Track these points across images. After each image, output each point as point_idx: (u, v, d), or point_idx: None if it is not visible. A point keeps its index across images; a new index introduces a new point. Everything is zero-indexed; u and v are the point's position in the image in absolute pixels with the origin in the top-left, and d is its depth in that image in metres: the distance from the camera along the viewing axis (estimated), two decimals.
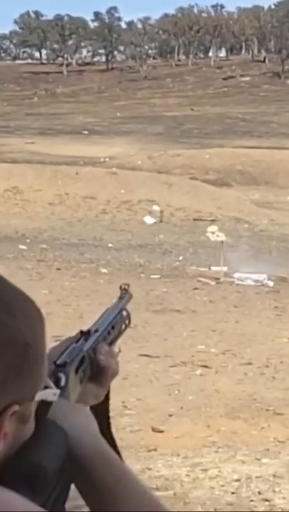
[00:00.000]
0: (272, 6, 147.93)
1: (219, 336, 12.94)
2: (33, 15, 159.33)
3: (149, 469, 7.34)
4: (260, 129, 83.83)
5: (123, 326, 1.56)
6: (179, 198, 34.93)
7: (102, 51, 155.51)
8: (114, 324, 1.52)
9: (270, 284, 19.30)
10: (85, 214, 33.56)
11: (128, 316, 1.58)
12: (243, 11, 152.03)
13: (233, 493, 6.83)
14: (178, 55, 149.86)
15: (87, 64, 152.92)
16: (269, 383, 10.36)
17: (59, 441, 1.18)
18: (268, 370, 10.99)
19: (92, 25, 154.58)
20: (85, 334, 1.42)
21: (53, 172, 37.88)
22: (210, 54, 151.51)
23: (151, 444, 8.06)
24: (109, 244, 26.83)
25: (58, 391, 1.22)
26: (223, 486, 6.97)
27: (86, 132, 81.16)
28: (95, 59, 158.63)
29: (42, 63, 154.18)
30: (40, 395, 1.16)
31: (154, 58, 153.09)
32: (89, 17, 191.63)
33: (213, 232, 22.27)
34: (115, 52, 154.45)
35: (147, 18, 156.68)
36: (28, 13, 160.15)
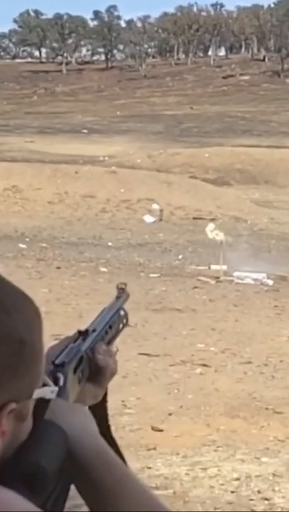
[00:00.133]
0: (272, 5, 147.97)
1: (219, 334, 12.94)
2: (32, 14, 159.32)
3: (149, 468, 7.34)
4: (259, 127, 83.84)
5: (121, 326, 1.55)
6: (179, 196, 34.92)
7: (101, 50, 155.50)
8: (112, 324, 1.51)
9: (270, 282, 19.30)
10: (84, 213, 33.55)
11: (125, 315, 1.58)
12: (243, 10, 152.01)
13: (232, 492, 6.83)
14: (177, 53, 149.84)
15: (87, 63, 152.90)
16: (268, 382, 10.36)
17: (58, 441, 1.18)
18: (267, 368, 10.99)
19: (92, 23, 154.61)
20: (82, 334, 1.42)
21: (52, 171, 37.88)
22: (209, 53, 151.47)
23: (151, 442, 8.05)
24: (109, 243, 26.83)
25: (56, 388, 1.22)
26: (222, 484, 6.97)
27: (85, 131, 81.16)
28: (95, 58, 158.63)
29: (41, 62, 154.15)
30: (38, 393, 1.16)
31: (153, 57, 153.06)
32: (88, 16, 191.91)
33: (211, 231, 22.27)
34: (115, 51, 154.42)
35: (147, 17, 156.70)
36: (27, 11, 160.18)
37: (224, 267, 20.47)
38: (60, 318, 13.04)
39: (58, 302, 14.90)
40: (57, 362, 1.31)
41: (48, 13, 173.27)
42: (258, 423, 8.73)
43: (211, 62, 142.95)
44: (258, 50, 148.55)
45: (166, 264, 22.70)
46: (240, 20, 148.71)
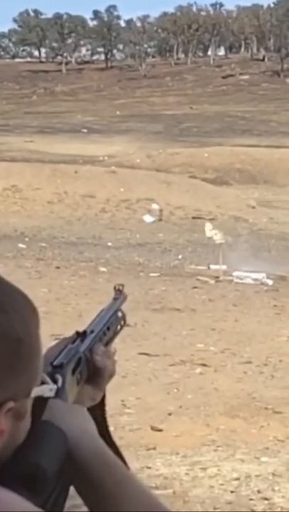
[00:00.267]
0: (272, 5, 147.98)
1: (218, 334, 12.94)
2: (32, 13, 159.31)
3: (149, 468, 7.34)
4: (259, 127, 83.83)
5: (119, 327, 1.55)
6: (178, 196, 34.93)
7: (101, 50, 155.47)
8: (110, 325, 1.51)
9: (270, 282, 19.30)
10: (84, 213, 33.55)
11: (123, 316, 1.58)
12: (243, 10, 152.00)
13: (232, 491, 6.83)
14: (177, 53, 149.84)
15: (87, 62, 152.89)
16: (268, 382, 10.36)
17: (57, 441, 1.18)
18: (267, 368, 10.99)
19: (92, 23, 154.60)
20: (81, 335, 1.42)
21: (52, 171, 37.88)
22: (209, 52, 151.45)
23: (151, 442, 8.05)
24: (109, 243, 26.83)
25: (54, 386, 1.22)
26: (222, 484, 6.97)
27: (85, 131, 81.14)
28: (94, 57, 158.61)
29: (41, 62, 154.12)
30: (37, 391, 1.16)
31: (153, 57, 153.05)
32: (88, 15, 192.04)
33: (210, 230, 22.29)
34: (114, 51, 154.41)
35: (146, 17, 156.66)
36: (27, 11, 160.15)
37: (224, 267, 20.47)
38: (60, 318, 13.04)
39: (57, 302, 14.90)
40: (55, 363, 1.31)
41: (48, 13, 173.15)
42: (257, 423, 8.73)
43: (211, 61, 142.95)
44: (258, 49, 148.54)
45: (166, 263, 22.71)
46: (239, 20, 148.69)
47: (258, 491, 6.83)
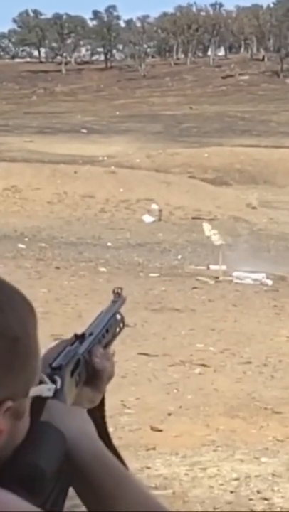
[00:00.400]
0: (271, 5, 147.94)
1: (218, 334, 12.94)
2: (31, 13, 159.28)
3: (148, 468, 7.34)
4: (259, 127, 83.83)
5: (117, 329, 1.56)
6: (178, 196, 34.93)
7: (100, 50, 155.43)
8: (109, 327, 1.52)
9: (269, 282, 19.31)
10: (83, 213, 33.56)
11: (122, 319, 1.58)
12: (242, 10, 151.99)
13: (232, 492, 6.83)
14: (177, 53, 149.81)
15: (86, 63, 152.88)
16: (268, 382, 10.36)
17: (56, 442, 1.18)
18: (266, 368, 10.99)
19: (91, 23, 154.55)
20: (79, 337, 1.42)
21: (51, 171, 37.88)
22: (209, 53, 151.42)
23: (150, 442, 8.05)
24: (108, 243, 26.83)
25: (52, 386, 1.22)
26: (222, 484, 6.97)
27: (85, 131, 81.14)
28: (94, 58, 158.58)
29: (41, 62, 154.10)
30: (35, 391, 1.16)
31: (152, 57, 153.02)
32: (88, 16, 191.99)
33: (209, 230, 22.30)
34: (114, 51, 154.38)
35: (146, 17, 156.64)
36: (26, 11, 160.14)
37: (223, 267, 20.47)
38: (60, 318, 13.04)
39: (57, 302, 14.90)
40: (54, 365, 1.31)
41: (47, 13, 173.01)
42: (257, 423, 8.73)
43: (211, 62, 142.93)
44: (258, 50, 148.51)
45: (166, 264, 22.71)
46: (239, 20, 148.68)
47: (258, 491, 6.83)
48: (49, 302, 14.42)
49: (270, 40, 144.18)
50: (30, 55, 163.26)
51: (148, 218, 32.65)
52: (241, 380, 10.43)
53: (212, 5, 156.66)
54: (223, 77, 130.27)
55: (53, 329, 10.53)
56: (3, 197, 34.76)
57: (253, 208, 35.98)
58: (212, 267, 21.41)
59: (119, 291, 1.61)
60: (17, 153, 59.55)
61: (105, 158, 57.72)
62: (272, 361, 11.34)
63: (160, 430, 8.44)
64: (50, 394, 1.20)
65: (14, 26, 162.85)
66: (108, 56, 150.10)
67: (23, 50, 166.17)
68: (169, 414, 8.93)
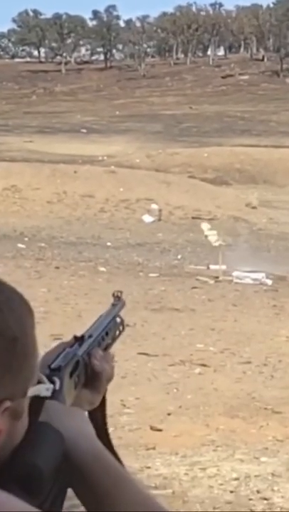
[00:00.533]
0: (271, 5, 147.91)
1: (218, 334, 12.94)
2: (31, 13, 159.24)
3: (148, 468, 7.34)
4: (258, 127, 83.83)
5: (117, 332, 1.56)
6: (178, 196, 34.93)
7: (100, 50, 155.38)
8: (108, 330, 1.52)
9: (269, 282, 19.31)
10: (83, 212, 33.56)
11: (122, 322, 1.58)
12: (242, 10, 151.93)
13: (231, 491, 6.83)
14: (176, 53, 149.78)
15: (86, 62, 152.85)
16: (268, 382, 10.36)
17: (54, 442, 1.18)
18: (266, 368, 10.99)
19: (91, 23, 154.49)
20: (79, 339, 1.42)
21: (51, 170, 37.88)
22: (208, 52, 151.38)
23: (150, 442, 8.05)
24: (108, 243, 26.83)
25: (51, 386, 1.22)
26: (221, 484, 6.97)
27: (84, 131, 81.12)
28: (94, 57, 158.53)
29: (40, 62, 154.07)
30: (33, 391, 1.16)
31: (152, 57, 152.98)
32: (87, 15, 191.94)
33: (208, 229, 22.30)
34: (114, 51, 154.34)
35: (146, 17, 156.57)
36: (26, 11, 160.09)
37: (223, 267, 20.48)
38: (59, 317, 13.05)
39: (56, 302, 14.90)
40: (53, 366, 1.31)
41: (47, 13, 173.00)
42: (257, 423, 8.73)
43: (210, 61, 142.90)
44: (257, 49, 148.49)
45: (165, 263, 22.71)
46: (239, 20, 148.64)
47: (258, 491, 6.83)
48: (49, 302, 14.42)
49: (269, 39, 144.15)
50: (30, 55, 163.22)
51: (148, 218, 32.65)
52: (241, 379, 10.43)
53: (212, 5, 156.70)
54: (222, 77, 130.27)
55: (52, 329, 10.53)
56: (2, 197, 34.76)
57: (253, 207, 35.98)
58: (212, 266, 21.41)
59: (119, 294, 1.62)
60: (17, 153, 59.55)
61: (105, 157, 57.72)
62: (272, 361, 11.34)
63: (160, 430, 8.44)
64: (48, 394, 1.20)
65: (14, 26, 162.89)
66: (108, 56, 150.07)
67: (22, 50, 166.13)
68: (169, 414, 8.93)
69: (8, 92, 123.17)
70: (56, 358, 1.34)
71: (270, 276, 19.90)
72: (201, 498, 6.69)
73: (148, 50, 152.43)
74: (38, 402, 1.18)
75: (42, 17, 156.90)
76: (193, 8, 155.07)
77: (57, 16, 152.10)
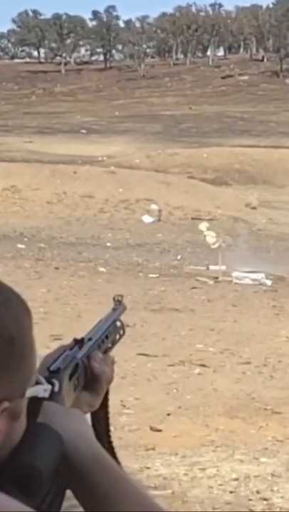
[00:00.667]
0: (271, 5, 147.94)
1: (217, 335, 12.94)
2: (31, 14, 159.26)
3: (148, 468, 7.34)
4: (258, 128, 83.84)
5: (117, 336, 1.56)
6: (177, 197, 34.93)
7: (100, 50, 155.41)
8: (108, 334, 1.52)
9: (268, 283, 19.31)
10: (83, 213, 33.55)
11: (122, 326, 1.58)
12: (242, 10, 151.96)
13: (231, 492, 6.83)
14: (176, 54, 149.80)
15: (86, 63, 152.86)
16: (267, 382, 10.36)
17: (53, 443, 1.18)
18: (266, 369, 10.99)
19: (91, 24, 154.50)
20: (78, 342, 1.42)
21: (51, 171, 37.88)
22: (208, 53, 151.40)
23: (150, 443, 8.05)
24: (108, 243, 26.83)
25: (49, 387, 1.22)
26: (221, 485, 6.97)
27: (84, 131, 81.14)
28: (93, 58, 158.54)
29: (40, 62, 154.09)
30: (31, 391, 1.16)
31: (152, 57, 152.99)
32: (87, 16, 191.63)
33: (207, 229, 22.31)
34: (113, 51, 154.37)
35: (145, 17, 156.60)
36: (26, 11, 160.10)
37: (223, 267, 20.48)
38: (59, 318, 13.04)
39: (56, 302, 14.89)
40: (52, 368, 1.31)
41: (47, 13, 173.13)
42: (256, 423, 8.73)
43: (210, 62, 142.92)
44: (257, 50, 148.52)
45: (165, 264, 22.71)
46: (238, 21, 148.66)
47: (257, 492, 6.83)
48: (48, 302, 14.42)
49: (269, 40, 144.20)
50: (30, 56, 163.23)
51: (147, 218, 32.65)
52: (241, 380, 10.43)
53: (211, 5, 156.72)
54: (222, 78, 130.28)
55: (52, 329, 10.53)
56: (2, 197, 34.76)
57: (253, 208, 35.98)
58: (211, 267, 21.42)
59: (120, 298, 1.62)
60: (16, 153, 59.55)
61: (105, 158, 57.72)
62: (271, 361, 11.34)
63: (159, 430, 8.44)
64: (46, 395, 1.20)
65: (13, 26, 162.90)
66: (107, 56, 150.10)
67: (22, 51, 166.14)
68: (169, 415, 8.93)
69: (7, 93, 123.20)
70: (55, 361, 1.34)
71: (269, 277, 19.91)
72: (200, 498, 6.70)
73: (148, 50, 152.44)
74: (36, 403, 1.18)
75: (41, 17, 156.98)
76: (193, 9, 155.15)
77: (56, 17, 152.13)
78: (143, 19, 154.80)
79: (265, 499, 6.70)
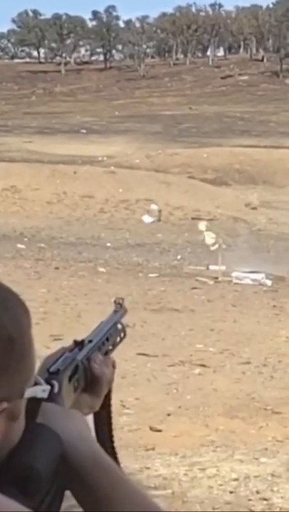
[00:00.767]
0: (271, 5, 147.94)
1: (217, 335, 12.94)
2: (31, 14, 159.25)
3: (148, 468, 7.34)
4: (258, 128, 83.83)
5: (118, 339, 1.56)
6: (177, 197, 34.92)
7: (100, 50, 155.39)
8: (109, 336, 1.52)
9: (268, 283, 19.31)
10: (83, 213, 33.55)
11: (123, 329, 1.58)
12: (242, 10, 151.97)
13: (231, 492, 6.83)
14: (176, 54, 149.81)
15: (85, 63, 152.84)
16: (267, 382, 10.36)
17: (52, 444, 1.18)
18: (266, 369, 10.99)
19: (90, 24, 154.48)
20: (79, 344, 1.42)
21: (51, 171, 37.88)
22: (208, 53, 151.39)
23: (150, 443, 8.05)
24: (108, 244, 26.83)
25: (48, 387, 1.22)
26: (221, 485, 6.97)
27: (84, 131, 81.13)
28: (93, 58, 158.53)
29: (40, 62, 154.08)
30: (30, 392, 1.16)
31: (152, 57, 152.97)
32: (87, 16, 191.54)
33: (206, 229, 22.32)
34: (113, 51, 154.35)
35: (145, 17, 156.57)
36: (26, 11, 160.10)
37: (223, 268, 20.48)
38: (59, 318, 13.03)
39: (56, 302, 14.89)
40: (51, 369, 1.31)
41: (47, 14, 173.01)
42: (256, 423, 8.73)
43: (210, 62, 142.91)
44: (257, 50, 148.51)
45: (165, 264, 22.71)
46: (238, 21, 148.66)
47: (257, 492, 6.83)
48: (48, 302, 14.41)
49: (269, 40, 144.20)
50: (30, 56, 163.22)
51: (147, 218, 32.65)
52: (240, 380, 10.43)
53: (211, 5, 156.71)
54: (222, 78, 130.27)
55: (52, 329, 10.53)
56: (2, 197, 34.76)
57: (253, 208, 35.98)
58: (211, 267, 21.42)
59: (121, 301, 1.62)
60: (16, 153, 59.55)
61: (105, 158, 57.71)
62: (271, 361, 11.34)
63: (159, 430, 8.44)
64: (45, 395, 1.20)
65: (13, 26, 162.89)
66: (107, 56, 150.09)
67: (22, 51, 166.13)
68: (169, 415, 8.93)
69: (7, 93, 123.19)
70: (55, 362, 1.34)
71: (269, 277, 19.90)
72: (200, 498, 6.69)
73: (147, 50, 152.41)
74: (34, 403, 1.18)
75: (41, 17, 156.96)
76: (193, 9, 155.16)
77: (56, 17, 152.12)
78: (143, 19, 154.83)
79: (265, 499, 6.70)
